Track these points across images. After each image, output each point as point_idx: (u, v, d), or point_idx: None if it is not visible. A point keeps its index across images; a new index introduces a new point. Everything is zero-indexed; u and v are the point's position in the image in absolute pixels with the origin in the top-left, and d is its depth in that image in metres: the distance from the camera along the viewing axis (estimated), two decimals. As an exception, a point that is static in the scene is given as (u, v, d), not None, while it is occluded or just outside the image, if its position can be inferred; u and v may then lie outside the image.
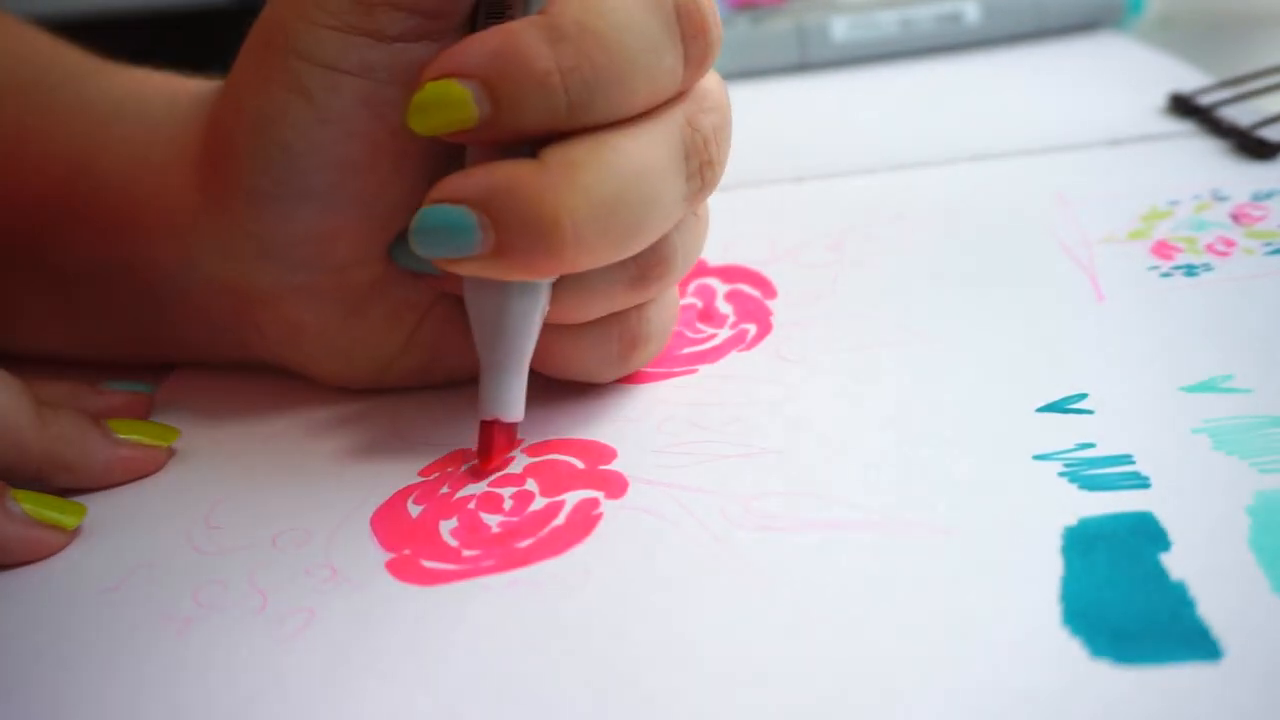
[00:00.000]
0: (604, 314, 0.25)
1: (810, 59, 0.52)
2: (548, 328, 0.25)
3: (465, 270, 0.23)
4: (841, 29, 0.52)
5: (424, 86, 0.22)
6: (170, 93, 0.29)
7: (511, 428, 0.25)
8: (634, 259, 0.24)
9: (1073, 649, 0.18)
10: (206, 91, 0.28)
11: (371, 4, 0.23)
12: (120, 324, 0.30)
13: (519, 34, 0.21)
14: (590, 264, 0.23)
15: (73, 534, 0.25)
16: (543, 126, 0.22)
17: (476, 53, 0.22)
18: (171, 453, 0.28)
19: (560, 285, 0.24)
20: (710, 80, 0.25)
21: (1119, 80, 0.45)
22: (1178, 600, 0.19)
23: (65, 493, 0.26)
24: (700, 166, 0.24)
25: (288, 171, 0.25)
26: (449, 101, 0.22)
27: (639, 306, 0.26)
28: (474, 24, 0.24)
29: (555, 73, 0.21)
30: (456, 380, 0.29)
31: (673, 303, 0.27)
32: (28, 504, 0.24)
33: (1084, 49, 0.50)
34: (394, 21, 0.23)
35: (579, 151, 0.22)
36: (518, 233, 0.22)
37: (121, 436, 0.27)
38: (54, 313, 0.30)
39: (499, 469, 0.25)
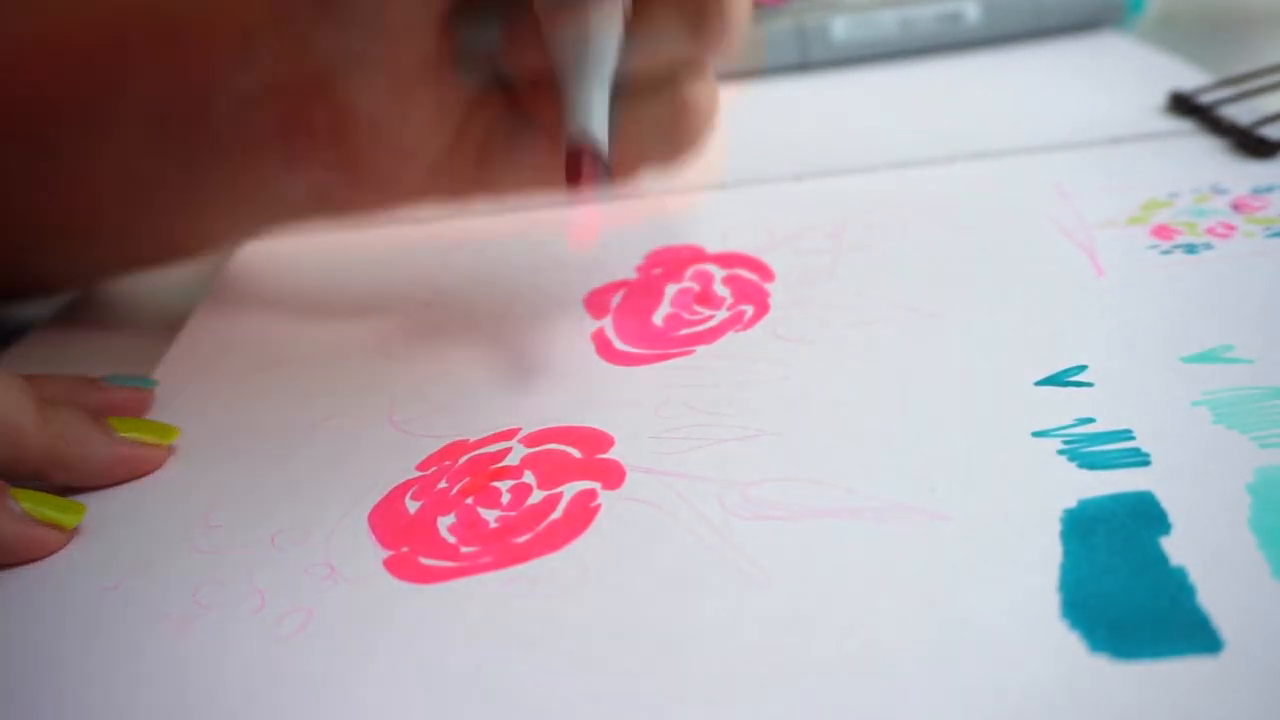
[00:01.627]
0: (666, 63, 0.27)
1: (810, 59, 0.52)
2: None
3: None
4: (842, 29, 0.52)
5: None
6: None
7: (597, 157, 0.25)
8: (695, 3, 0.26)
9: (1071, 643, 0.18)
10: None
11: None
12: (174, 180, 0.31)
13: None
14: None
15: (72, 533, 0.25)
16: None
17: None
18: (172, 451, 0.27)
19: (629, 31, 0.26)
20: None
21: (1119, 79, 0.45)
22: (1177, 588, 0.18)
23: (65, 491, 0.26)
24: None
25: None
26: None
27: (691, 73, 0.27)
28: None
29: None
30: (502, 192, 0.30)
31: (717, 87, 0.28)
32: (27, 503, 0.24)
33: (1084, 48, 0.50)
34: None
35: None
36: None
37: (122, 435, 0.27)
38: (113, 188, 0.31)
39: (588, 222, 0.26)
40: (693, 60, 0.27)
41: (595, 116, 0.25)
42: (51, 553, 0.24)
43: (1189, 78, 0.43)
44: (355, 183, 0.30)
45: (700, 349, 0.28)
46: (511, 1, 0.27)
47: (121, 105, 0.30)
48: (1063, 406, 0.24)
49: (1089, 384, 0.24)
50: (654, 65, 0.27)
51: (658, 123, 0.28)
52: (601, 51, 0.25)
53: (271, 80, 0.28)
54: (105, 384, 0.29)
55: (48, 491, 0.25)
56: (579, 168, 0.25)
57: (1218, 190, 0.33)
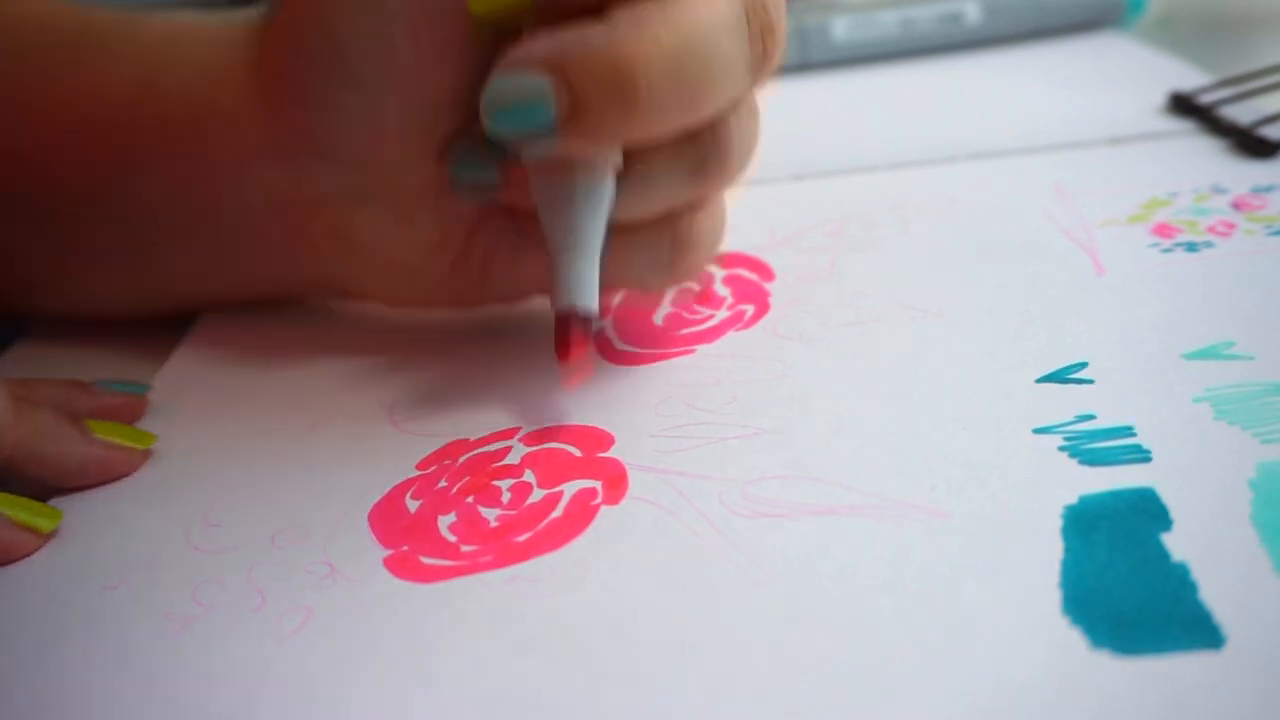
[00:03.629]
0: (664, 207, 0.26)
1: (811, 59, 0.52)
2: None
3: (540, 149, 0.23)
4: (842, 29, 0.52)
5: None
6: (222, 17, 0.30)
7: (587, 321, 0.25)
8: (694, 146, 0.25)
9: (1072, 639, 0.18)
10: (260, 9, 0.29)
11: None
12: (183, 256, 0.31)
13: None
14: (661, 122, 0.23)
15: (47, 537, 0.25)
16: None
17: None
18: (148, 455, 0.27)
19: (623, 178, 0.25)
20: None
21: (1119, 79, 0.45)
22: (1179, 584, 0.18)
23: (45, 496, 0.26)
24: (761, 30, 0.24)
25: (333, 58, 0.26)
26: None
27: (691, 211, 0.26)
28: None
29: None
30: (508, 301, 0.30)
31: (723, 213, 0.28)
32: (2, 506, 0.24)
33: (1084, 49, 0.50)
34: None
35: (646, 8, 0.22)
36: (594, 88, 0.22)
37: (97, 436, 0.27)
38: (121, 256, 0.31)
39: (579, 367, 0.25)
40: (694, 200, 0.26)
41: (584, 287, 0.25)
42: (24, 556, 0.24)
43: (1189, 78, 0.43)
44: (362, 289, 0.31)
45: (700, 348, 0.28)
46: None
47: (128, 195, 0.30)
48: (1064, 403, 0.24)
49: (1090, 380, 0.24)
50: (652, 209, 0.26)
51: (655, 262, 0.27)
52: (590, 216, 0.24)
53: (273, 197, 0.29)
54: (96, 388, 0.29)
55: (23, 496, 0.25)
56: (568, 336, 0.25)
57: (1218, 190, 0.33)
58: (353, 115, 0.26)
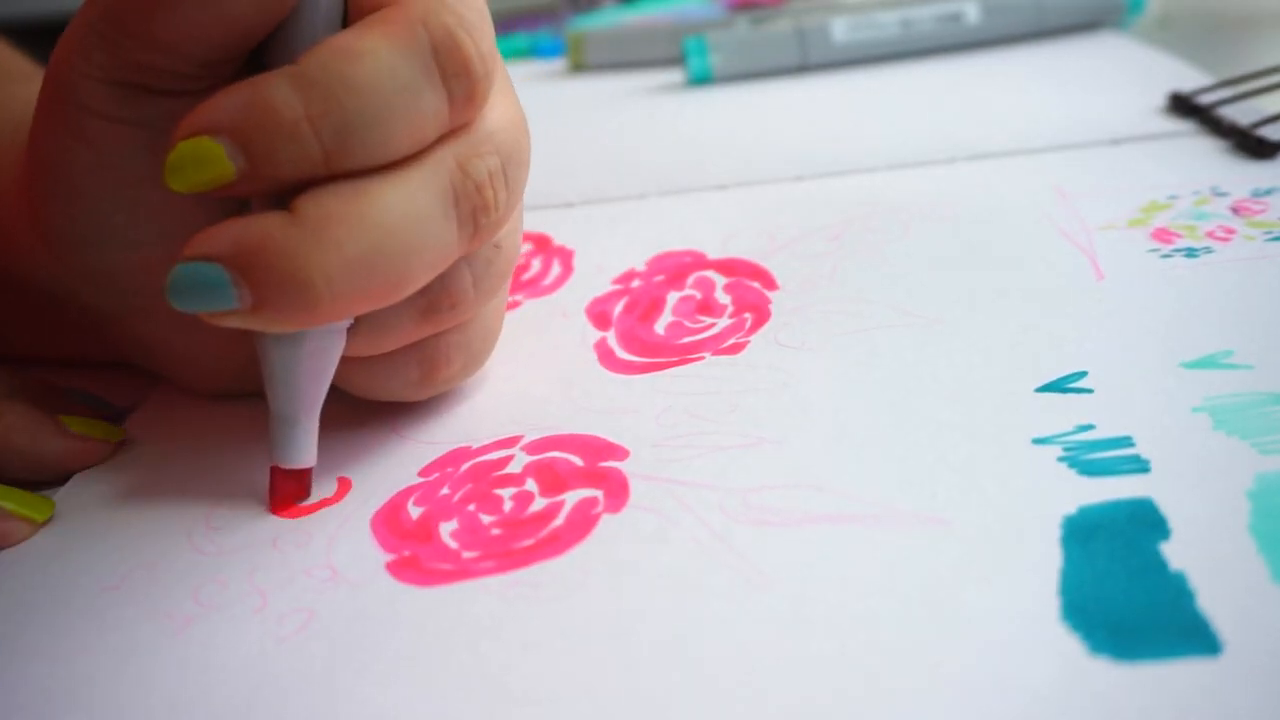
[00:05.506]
0: (399, 346, 0.25)
1: (811, 60, 0.52)
2: (345, 357, 0.24)
3: (229, 324, 0.22)
4: (842, 30, 0.52)
5: (176, 146, 0.21)
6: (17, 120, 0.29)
7: (303, 474, 0.25)
8: (421, 294, 0.24)
9: (1071, 645, 0.18)
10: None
11: (138, 64, 0.23)
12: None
13: (265, 84, 0.21)
14: (354, 314, 0.23)
15: (41, 525, 0.25)
16: (301, 175, 0.21)
17: (225, 107, 0.21)
18: (119, 446, 0.28)
19: (351, 327, 0.24)
20: (496, 122, 0.24)
21: (1119, 80, 0.45)
22: (1177, 592, 0.19)
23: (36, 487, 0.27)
24: (473, 211, 0.23)
25: (84, 213, 0.25)
26: (202, 159, 0.21)
27: (437, 334, 0.26)
28: None
29: (304, 120, 0.21)
30: None
31: (488, 320, 0.27)
32: None
33: (1084, 49, 0.50)
34: (159, 79, 0.23)
35: (333, 203, 0.21)
36: (272, 290, 0.21)
37: (72, 430, 0.28)
38: None
39: (290, 515, 0.25)
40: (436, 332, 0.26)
41: (301, 451, 0.24)
42: (17, 543, 0.25)
43: (1189, 78, 0.43)
44: (167, 377, 0.30)
45: (701, 357, 0.28)
46: None
47: None
48: (1063, 413, 0.24)
49: (1089, 390, 0.24)
50: (386, 348, 0.25)
51: (404, 382, 0.26)
52: (310, 383, 0.24)
53: (65, 300, 0.28)
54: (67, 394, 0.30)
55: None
56: (282, 492, 0.25)
57: (1217, 193, 0.33)
58: (114, 260, 0.26)
